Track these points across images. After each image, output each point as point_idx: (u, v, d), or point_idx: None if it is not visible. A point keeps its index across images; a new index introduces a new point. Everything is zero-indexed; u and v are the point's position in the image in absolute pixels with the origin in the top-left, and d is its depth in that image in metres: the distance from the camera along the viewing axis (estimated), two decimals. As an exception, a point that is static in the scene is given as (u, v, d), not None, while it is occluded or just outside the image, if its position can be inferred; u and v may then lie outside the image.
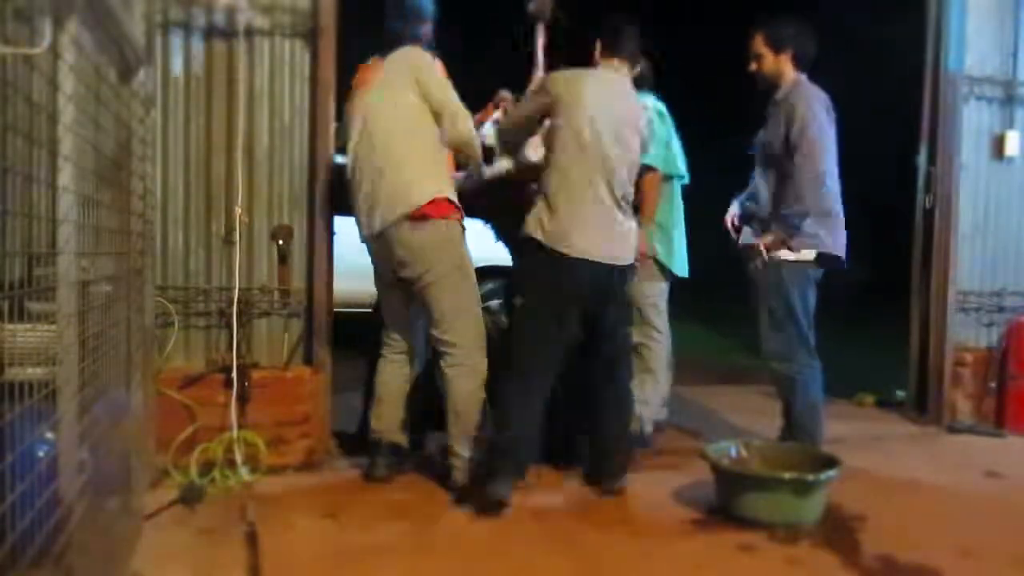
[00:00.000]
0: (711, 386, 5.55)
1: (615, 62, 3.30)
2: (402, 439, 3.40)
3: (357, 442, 3.63)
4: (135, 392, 2.76)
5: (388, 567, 2.62)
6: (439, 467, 3.38)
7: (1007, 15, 4.57)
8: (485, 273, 3.79)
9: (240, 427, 3.36)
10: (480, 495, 3.07)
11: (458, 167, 3.50)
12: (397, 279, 3.25)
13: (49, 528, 1.61)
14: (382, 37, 3.34)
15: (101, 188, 2.22)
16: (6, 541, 1.38)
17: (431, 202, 3.12)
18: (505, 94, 3.71)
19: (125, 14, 2.50)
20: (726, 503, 3.03)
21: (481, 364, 3.21)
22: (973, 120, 4.53)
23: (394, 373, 3.41)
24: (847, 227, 3.57)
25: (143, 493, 2.91)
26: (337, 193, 3.56)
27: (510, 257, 3.91)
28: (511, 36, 4.00)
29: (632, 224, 3.29)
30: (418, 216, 3.11)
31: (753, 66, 3.60)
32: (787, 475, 2.98)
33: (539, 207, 3.15)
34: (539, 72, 3.83)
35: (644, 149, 3.37)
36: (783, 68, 3.54)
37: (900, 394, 4.88)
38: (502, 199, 3.54)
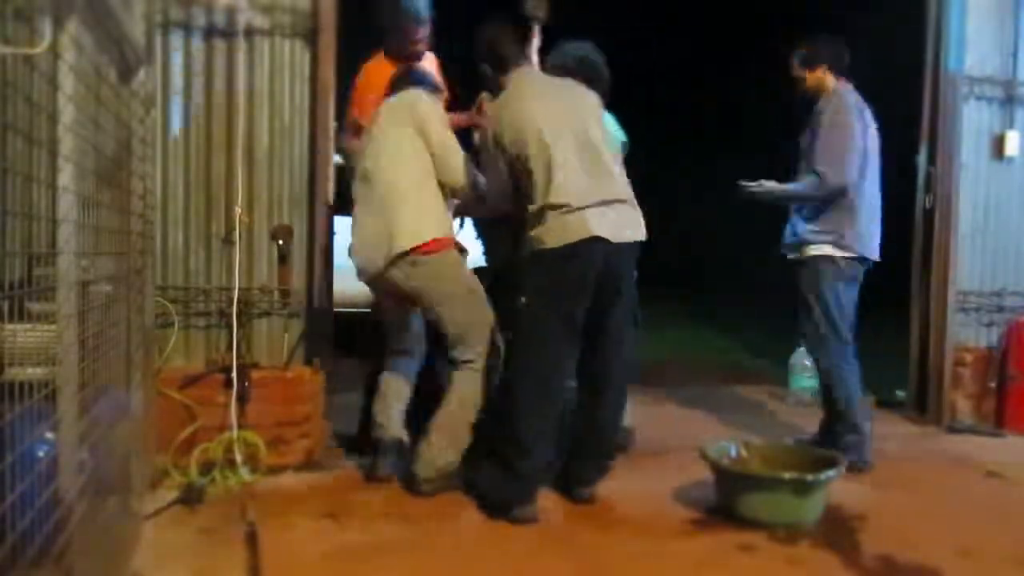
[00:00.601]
0: (711, 386, 5.55)
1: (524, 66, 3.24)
2: (405, 437, 3.40)
3: (358, 442, 3.63)
4: (135, 392, 2.76)
5: (388, 567, 2.62)
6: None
7: (1007, 15, 4.57)
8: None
9: (240, 427, 3.36)
10: (511, 518, 2.95)
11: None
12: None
13: (49, 528, 1.61)
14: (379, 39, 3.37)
15: (101, 188, 2.22)
16: (6, 541, 1.38)
17: (432, 241, 3.17)
18: (487, 96, 3.69)
19: (125, 14, 2.50)
20: (726, 503, 3.03)
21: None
22: (973, 120, 4.53)
23: (398, 371, 3.42)
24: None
25: (143, 493, 2.91)
26: (337, 193, 3.57)
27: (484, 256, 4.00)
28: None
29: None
30: (420, 253, 3.15)
31: (797, 90, 3.90)
32: (787, 475, 2.98)
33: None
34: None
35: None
36: (822, 82, 3.82)
37: (900, 394, 4.88)
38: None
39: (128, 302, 2.64)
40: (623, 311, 3.14)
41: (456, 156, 3.25)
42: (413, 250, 3.14)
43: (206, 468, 3.27)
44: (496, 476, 3.01)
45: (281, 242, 3.56)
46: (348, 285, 3.79)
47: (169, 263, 3.50)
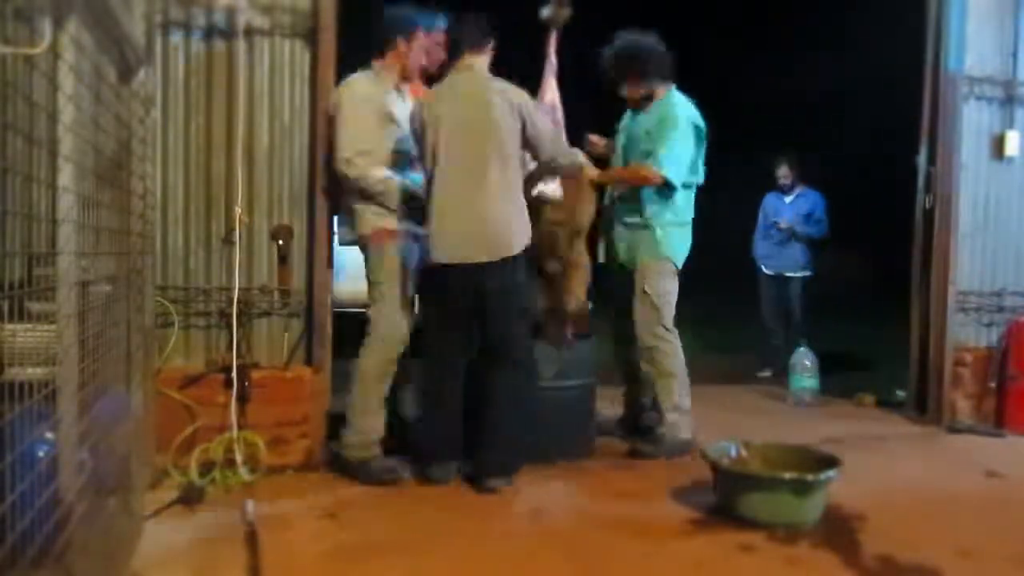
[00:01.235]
0: (711, 386, 5.54)
1: (466, 59, 3.36)
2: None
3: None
4: (135, 392, 2.76)
5: (388, 567, 2.61)
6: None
7: (1007, 15, 4.57)
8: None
9: (240, 427, 3.36)
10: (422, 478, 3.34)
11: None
12: None
13: (49, 528, 1.61)
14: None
15: (101, 188, 2.22)
16: (6, 541, 1.38)
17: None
18: None
19: (125, 14, 2.50)
20: (726, 503, 3.03)
21: None
22: (973, 120, 4.53)
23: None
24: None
25: (143, 493, 2.91)
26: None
27: None
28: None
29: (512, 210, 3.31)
30: None
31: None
32: (787, 475, 2.97)
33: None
34: (551, 77, 3.84)
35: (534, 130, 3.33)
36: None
37: (900, 394, 4.88)
38: None
39: (128, 302, 2.64)
40: (501, 307, 3.34)
41: None
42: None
43: (206, 468, 3.27)
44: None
45: (281, 242, 3.56)
46: (349, 285, 3.80)
47: (169, 263, 3.49)
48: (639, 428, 4.08)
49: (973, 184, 4.55)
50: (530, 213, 3.42)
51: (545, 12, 3.80)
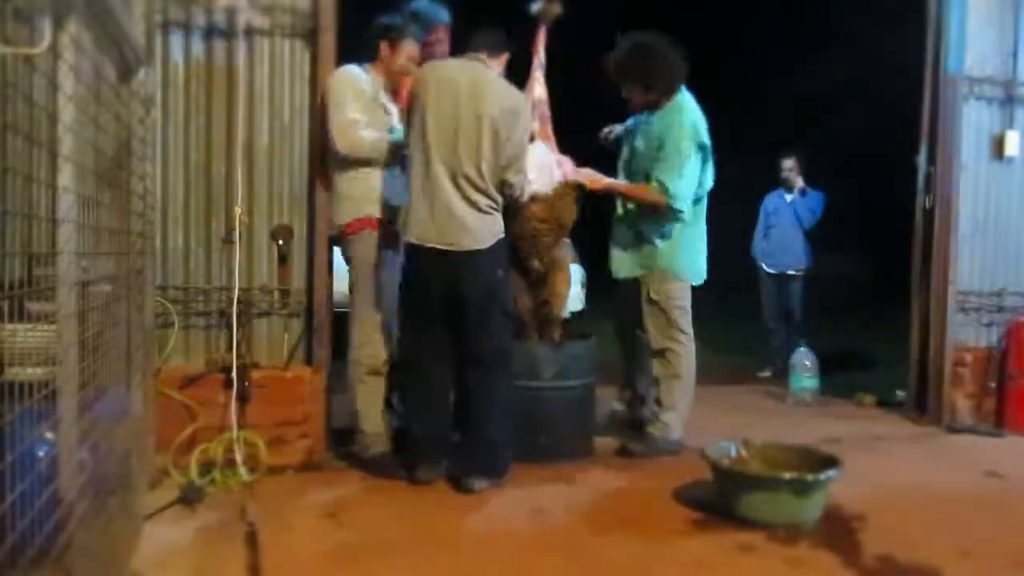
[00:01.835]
0: (711, 386, 5.54)
1: (479, 53, 3.38)
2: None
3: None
4: (135, 392, 2.76)
5: (388, 567, 2.61)
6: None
7: (1007, 15, 4.57)
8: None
9: (240, 427, 3.36)
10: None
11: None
12: None
13: (49, 528, 1.61)
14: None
15: (101, 188, 2.22)
16: (6, 541, 1.38)
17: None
18: None
19: (125, 14, 2.50)
20: (726, 503, 3.03)
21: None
22: (973, 120, 4.53)
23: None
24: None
25: (143, 493, 2.91)
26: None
27: None
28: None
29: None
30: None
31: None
32: (787, 475, 2.97)
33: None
34: (539, 72, 3.84)
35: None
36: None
37: (900, 394, 4.88)
38: None
39: (128, 302, 2.64)
40: (481, 306, 3.34)
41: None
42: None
43: (206, 468, 3.27)
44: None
45: (281, 242, 3.56)
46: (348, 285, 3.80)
47: (169, 263, 3.50)
48: (632, 422, 4.10)
49: (973, 184, 4.55)
50: (511, 212, 3.43)
51: (535, 7, 3.81)
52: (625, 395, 4.29)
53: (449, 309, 3.31)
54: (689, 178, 3.78)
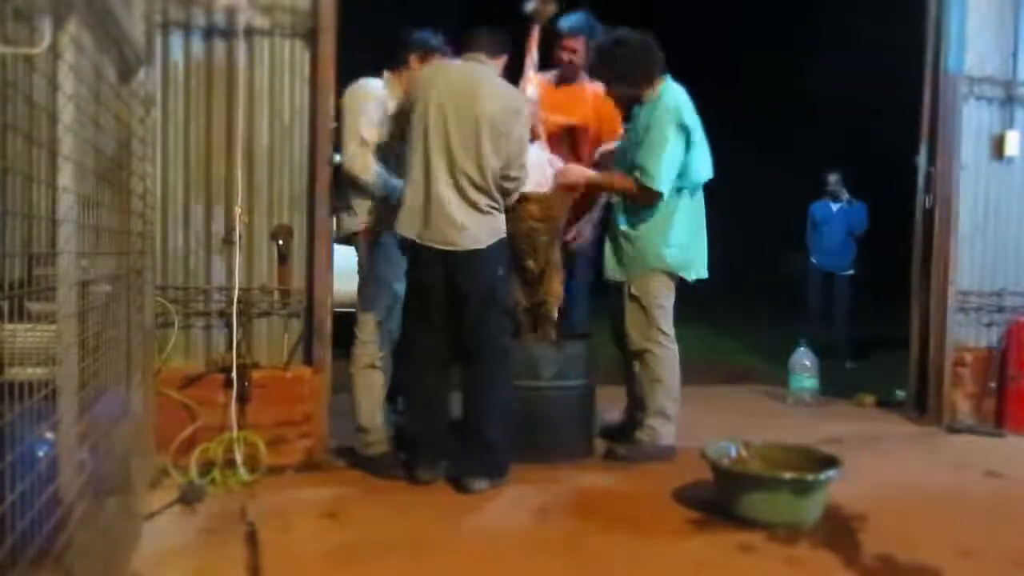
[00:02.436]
0: (711, 386, 5.55)
1: (477, 54, 3.40)
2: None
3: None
4: (135, 392, 2.76)
5: (388, 567, 2.62)
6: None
7: (1007, 15, 4.56)
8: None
9: (240, 427, 3.36)
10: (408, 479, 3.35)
11: None
12: None
13: (49, 528, 1.61)
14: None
15: (101, 188, 2.22)
16: (6, 541, 1.38)
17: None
18: None
19: (125, 14, 2.50)
20: (726, 503, 3.03)
21: None
22: (973, 120, 4.52)
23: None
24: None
25: (143, 493, 2.91)
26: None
27: None
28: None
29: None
30: None
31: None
32: (787, 475, 2.97)
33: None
34: (532, 72, 3.85)
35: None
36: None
37: (900, 394, 4.88)
38: None
39: (128, 302, 2.64)
40: (479, 306, 3.34)
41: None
42: None
43: (206, 468, 3.27)
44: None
45: (281, 242, 3.56)
46: (348, 285, 3.81)
47: (169, 263, 3.49)
48: (624, 428, 4.04)
49: (973, 184, 4.55)
50: (507, 211, 3.42)
51: (529, 7, 3.81)
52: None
53: (449, 309, 3.31)
54: (669, 160, 3.65)
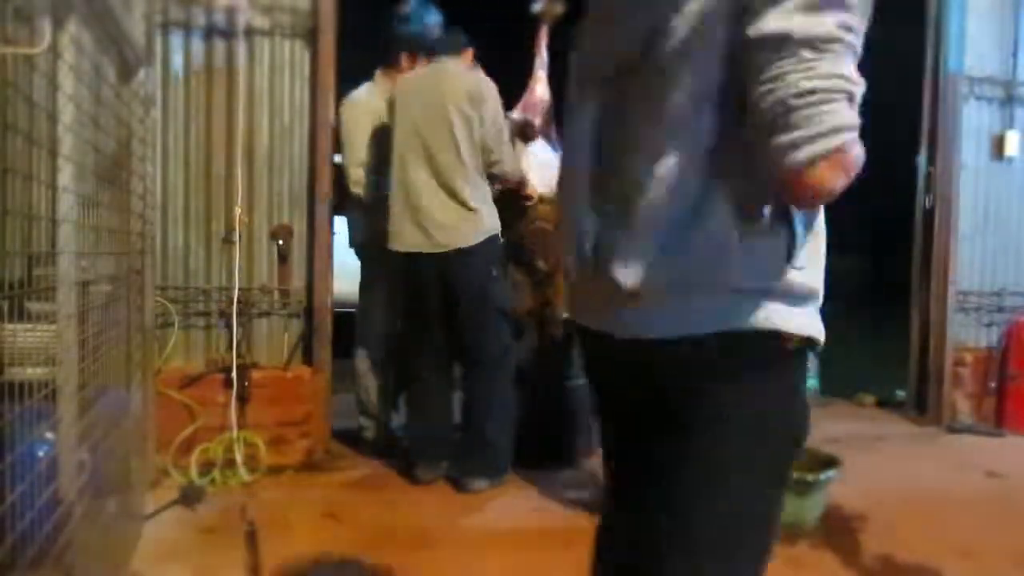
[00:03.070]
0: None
1: (441, 58, 3.40)
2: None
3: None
4: (135, 392, 2.76)
5: (388, 567, 2.61)
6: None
7: (1007, 15, 4.56)
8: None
9: (240, 427, 3.36)
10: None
11: None
12: None
13: (49, 528, 1.61)
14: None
15: (101, 188, 2.22)
16: (6, 541, 1.38)
17: None
18: None
19: (125, 14, 2.50)
20: (726, 503, 3.02)
21: None
22: (973, 120, 4.53)
23: None
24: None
25: (143, 493, 2.91)
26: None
27: None
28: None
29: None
30: None
31: None
32: (787, 475, 2.97)
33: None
34: (541, 72, 3.84)
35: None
36: None
37: (900, 394, 4.88)
38: None
39: (128, 302, 2.64)
40: (470, 306, 3.34)
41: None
42: None
43: (206, 468, 3.27)
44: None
45: (281, 242, 3.56)
46: (349, 285, 3.81)
47: (169, 263, 3.49)
48: None
49: (973, 184, 4.55)
50: (517, 211, 3.43)
51: (536, 7, 3.81)
52: None
53: (445, 309, 3.32)
54: None
